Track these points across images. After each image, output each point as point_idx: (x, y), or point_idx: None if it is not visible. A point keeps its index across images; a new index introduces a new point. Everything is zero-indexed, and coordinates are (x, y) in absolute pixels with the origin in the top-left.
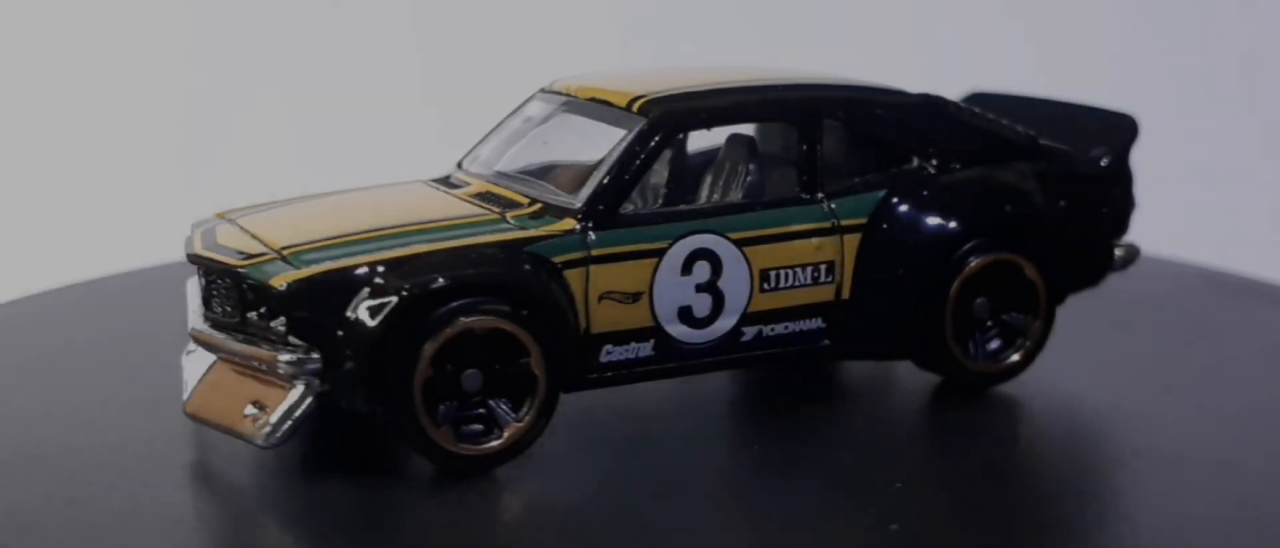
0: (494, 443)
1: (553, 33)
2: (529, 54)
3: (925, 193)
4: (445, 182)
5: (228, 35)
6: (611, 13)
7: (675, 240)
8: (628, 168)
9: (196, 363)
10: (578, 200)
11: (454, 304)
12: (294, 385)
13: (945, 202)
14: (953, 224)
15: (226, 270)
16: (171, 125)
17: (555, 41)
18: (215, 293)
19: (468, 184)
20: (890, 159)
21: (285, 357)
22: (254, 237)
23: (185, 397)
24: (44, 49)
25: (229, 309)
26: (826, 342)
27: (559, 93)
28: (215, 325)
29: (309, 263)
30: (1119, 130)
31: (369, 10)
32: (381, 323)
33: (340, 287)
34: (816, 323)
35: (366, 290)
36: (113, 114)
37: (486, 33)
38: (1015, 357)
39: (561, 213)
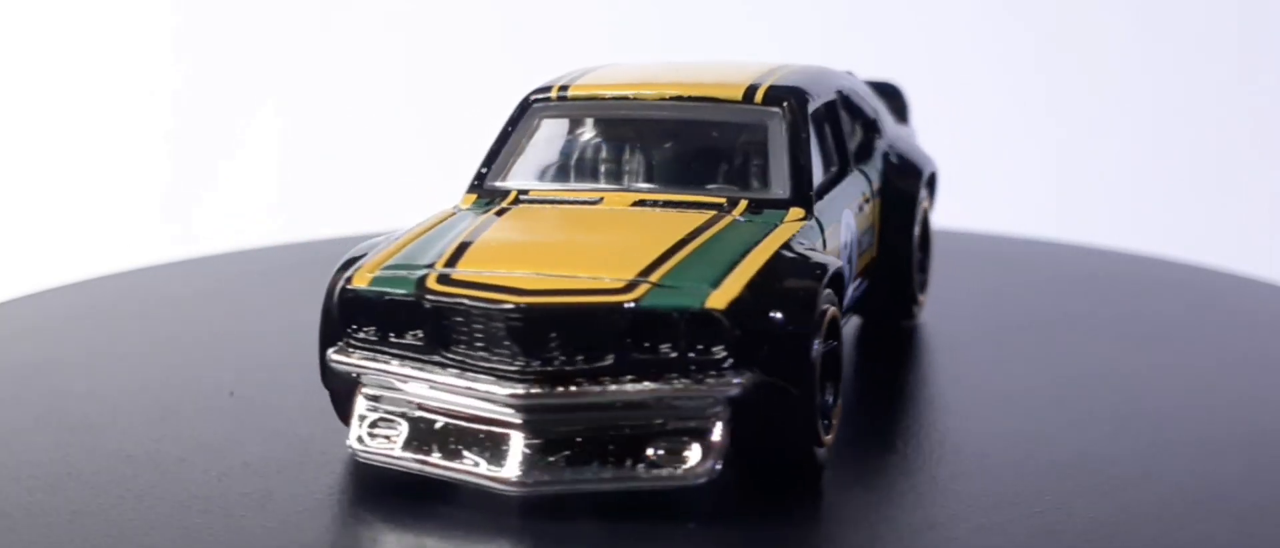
0: (831, 430)
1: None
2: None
3: (897, 157)
4: (525, 199)
5: (226, 40)
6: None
7: (840, 214)
8: (805, 152)
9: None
10: (784, 191)
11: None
12: (715, 413)
13: (909, 163)
14: (920, 180)
15: (595, 310)
16: (168, 132)
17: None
18: (546, 344)
19: (594, 199)
20: (858, 132)
21: (734, 380)
22: (561, 273)
23: (511, 478)
24: (43, 52)
25: (578, 355)
26: (865, 298)
27: (604, 98)
28: (548, 380)
29: (711, 281)
30: (897, 97)
31: (366, 16)
32: (810, 331)
33: (760, 302)
34: (868, 281)
35: (781, 301)
36: (111, 115)
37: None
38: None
39: (780, 205)
